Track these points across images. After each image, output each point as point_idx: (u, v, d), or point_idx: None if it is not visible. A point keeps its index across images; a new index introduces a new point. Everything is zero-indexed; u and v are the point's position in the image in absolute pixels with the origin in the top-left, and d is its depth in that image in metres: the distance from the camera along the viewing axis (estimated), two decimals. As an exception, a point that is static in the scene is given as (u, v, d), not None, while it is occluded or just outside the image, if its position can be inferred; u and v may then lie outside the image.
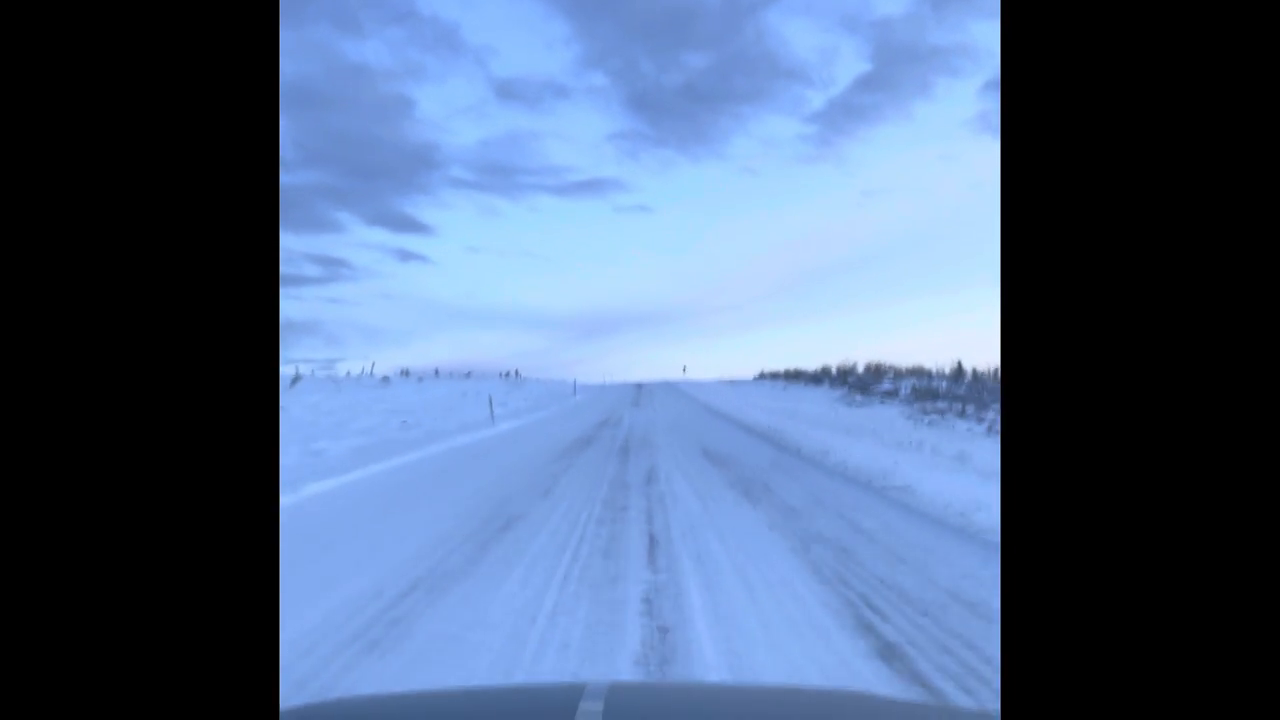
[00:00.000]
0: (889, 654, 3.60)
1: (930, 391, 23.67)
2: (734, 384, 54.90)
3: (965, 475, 9.13)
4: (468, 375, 60.10)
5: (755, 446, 13.55)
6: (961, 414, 18.13)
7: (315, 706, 1.11)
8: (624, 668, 3.45)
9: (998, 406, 13.64)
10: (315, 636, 3.93)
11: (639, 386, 54.58)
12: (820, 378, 40.18)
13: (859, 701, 1.29)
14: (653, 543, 5.93)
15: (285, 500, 8.08)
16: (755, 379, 56.51)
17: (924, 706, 1.73)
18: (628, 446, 13.70)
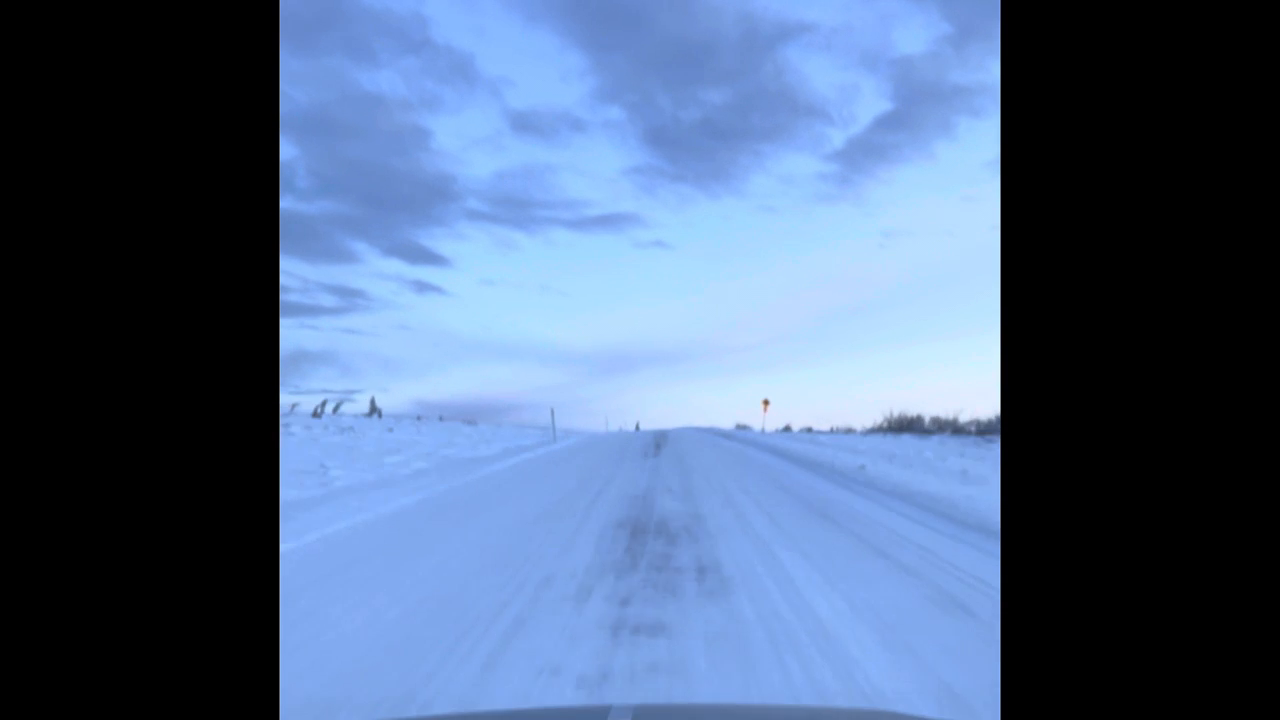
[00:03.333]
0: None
1: None
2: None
3: None
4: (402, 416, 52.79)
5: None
6: None
7: None
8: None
9: None
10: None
11: (654, 448, 16.90)
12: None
13: None
14: None
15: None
16: (884, 433, 23.29)
17: None
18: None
